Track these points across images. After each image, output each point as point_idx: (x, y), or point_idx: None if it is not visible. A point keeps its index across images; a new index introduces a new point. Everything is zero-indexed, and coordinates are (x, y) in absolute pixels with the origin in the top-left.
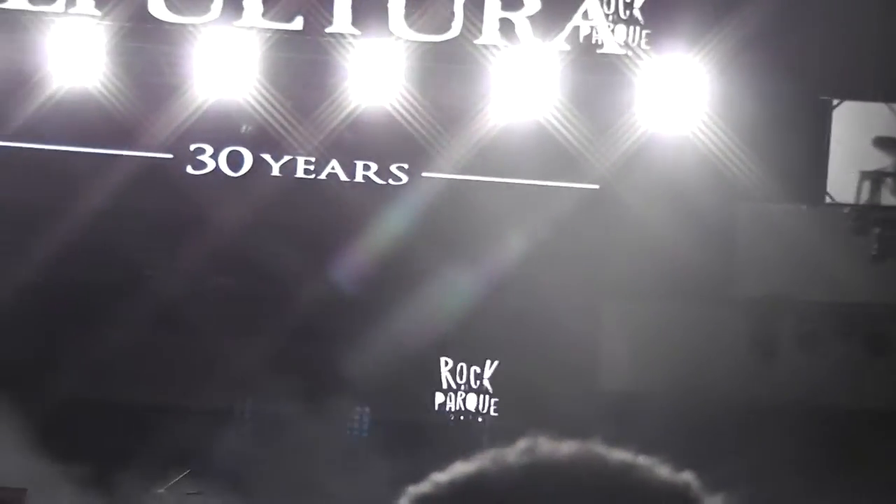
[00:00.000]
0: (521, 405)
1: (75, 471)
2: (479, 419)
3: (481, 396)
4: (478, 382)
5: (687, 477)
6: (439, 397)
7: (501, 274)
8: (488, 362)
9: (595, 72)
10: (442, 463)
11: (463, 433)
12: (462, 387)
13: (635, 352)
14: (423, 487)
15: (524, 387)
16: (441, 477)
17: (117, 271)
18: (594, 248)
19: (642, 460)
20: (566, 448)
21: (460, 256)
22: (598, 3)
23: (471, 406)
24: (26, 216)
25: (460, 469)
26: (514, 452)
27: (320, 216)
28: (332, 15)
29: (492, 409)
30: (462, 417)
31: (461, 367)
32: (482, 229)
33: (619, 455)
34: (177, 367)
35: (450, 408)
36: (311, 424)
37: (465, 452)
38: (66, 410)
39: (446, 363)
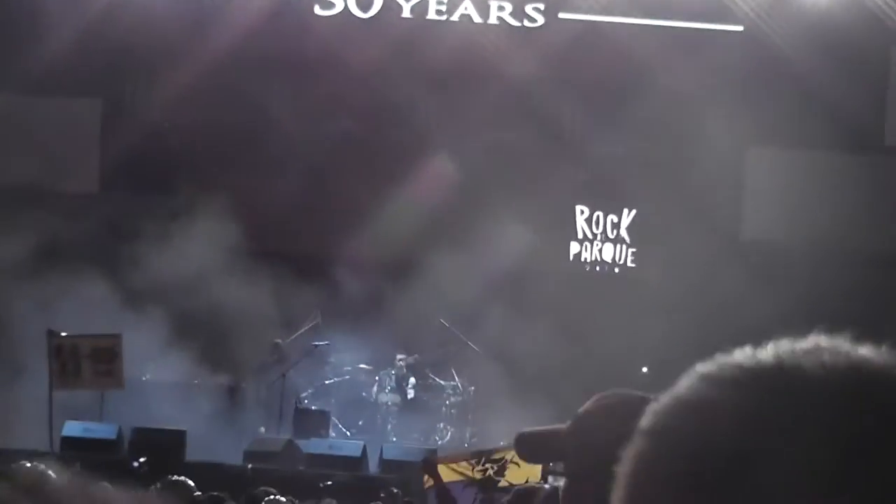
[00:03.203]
0: (659, 255)
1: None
2: (616, 270)
3: (618, 246)
4: (615, 232)
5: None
6: (574, 247)
7: (644, 120)
8: (626, 210)
9: None
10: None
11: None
12: (599, 236)
13: (779, 201)
14: None
15: (663, 236)
16: None
17: (245, 114)
18: (741, 91)
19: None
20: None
21: (600, 101)
22: None
23: (607, 256)
24: (153, 59)
25: None
26: None
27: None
28: None
29: (629, 259)
30: (598, 268)
31: (597, 215)
32: (623, 73)
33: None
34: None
35: (585, 258)
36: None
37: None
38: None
39: (582, 212)
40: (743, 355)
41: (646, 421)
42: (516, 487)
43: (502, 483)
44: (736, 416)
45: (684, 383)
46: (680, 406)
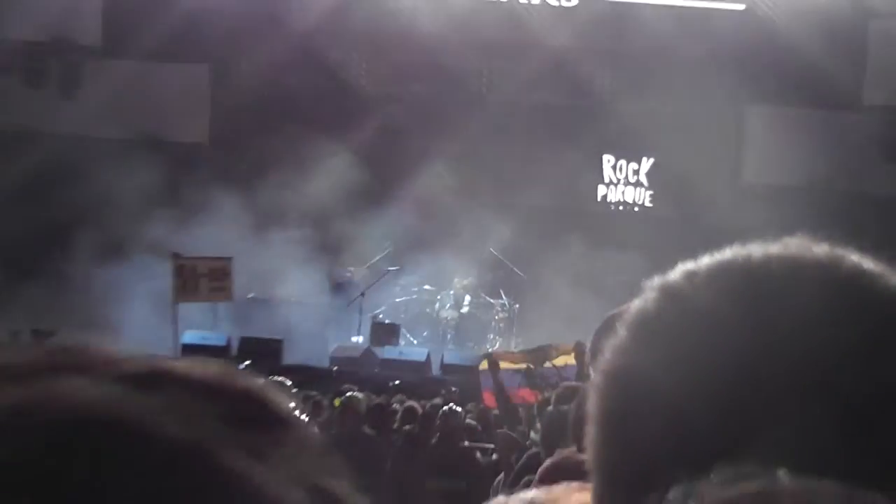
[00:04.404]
0: (672, 196)
1: None
2: (636, 209)
3: (638, 189)
4: (635, 177)
5: None
6: (602, 189)
7: (661, 83)
8: (644, 159)
9: None
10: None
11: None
12: (622, 181)
13: (777, 150)
14: None
15: (676, 180)
16: None
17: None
18: (741, 59)
19: None
20: None
21: (624, 68)
22: None
23: (629, 198)
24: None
25: None
26: None
27: (501, 32)
28: None
29: (647, 200)
30: (621, 207)
31: (621, 163)
32: (643, 44)
33: None
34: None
35: (611, 199)
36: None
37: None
38: None
39: (608, 160)
40: (734, 253)
41: (632, 315)
42: (565, 383)
43: (547, 364)
44: (739, 315)
45: (670, 278)
46: (672, 300)
